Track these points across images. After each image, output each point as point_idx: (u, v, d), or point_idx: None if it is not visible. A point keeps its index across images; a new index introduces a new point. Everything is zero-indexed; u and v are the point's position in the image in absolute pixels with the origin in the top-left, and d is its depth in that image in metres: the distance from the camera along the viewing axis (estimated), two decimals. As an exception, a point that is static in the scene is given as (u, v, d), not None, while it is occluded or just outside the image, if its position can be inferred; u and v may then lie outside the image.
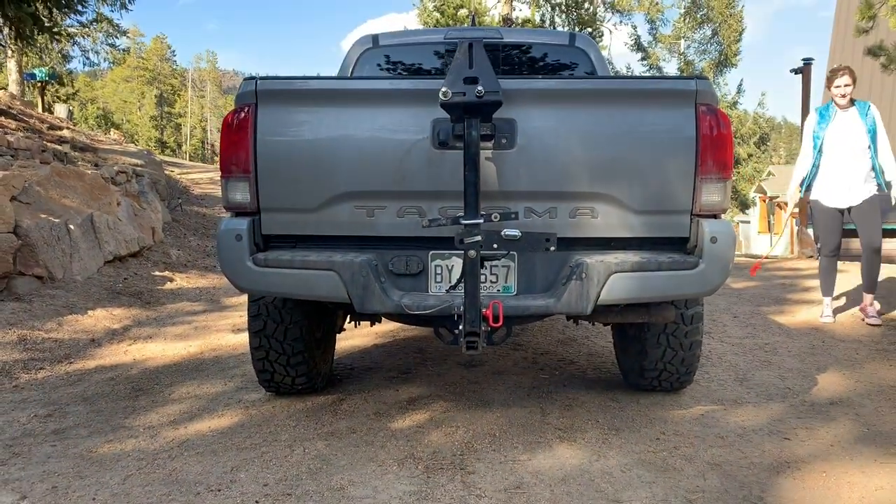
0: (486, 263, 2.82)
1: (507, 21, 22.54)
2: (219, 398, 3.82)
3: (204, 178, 16.90)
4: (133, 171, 10.47)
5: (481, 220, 2.60)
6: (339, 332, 3.97)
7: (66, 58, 26.40)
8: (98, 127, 44.96)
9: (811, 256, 13.29)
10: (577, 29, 26.07)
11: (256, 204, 2.87)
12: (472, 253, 2.60)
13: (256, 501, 2.53)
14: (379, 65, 4.57)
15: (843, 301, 6.33)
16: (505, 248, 2.69)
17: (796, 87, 15.64)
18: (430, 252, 2.90)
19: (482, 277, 2.79)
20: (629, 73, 31.54)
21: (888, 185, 5.37)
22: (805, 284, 7.94)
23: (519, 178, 2.80)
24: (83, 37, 23.12)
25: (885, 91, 17.42)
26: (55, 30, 12.45)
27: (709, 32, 32.32)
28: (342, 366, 4.44)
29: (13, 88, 18.40)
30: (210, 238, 10.91)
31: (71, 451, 3.05)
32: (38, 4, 11.25)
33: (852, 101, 5.44)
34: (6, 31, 11.40)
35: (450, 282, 2.89)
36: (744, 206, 36.04)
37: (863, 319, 5.60)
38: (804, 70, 16.02)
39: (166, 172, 14.04)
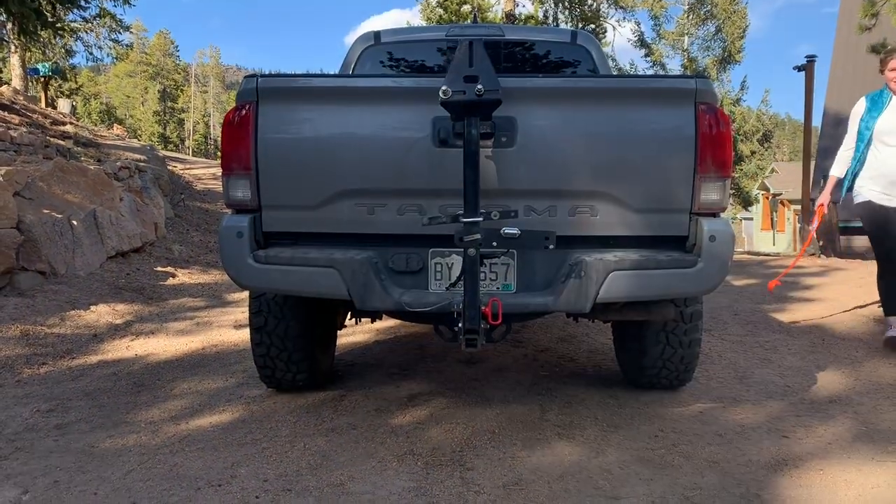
0: (486, 261, 2.83)
1: (509, 17, 22.51)
2: (220, 394, 3.84)
3: (206, 173, 16.90)
4: (136, 166, 10.50)
5: (481, 219, 2.61)
6: (340, 329, 3.98)
7: (70, 53, 26.32)
8: (101, 122, 45.05)
9: (813, 254, 13.30)
10: (580, 25, 26.01)
11: (257, 201, 2.88)
12: (471, 251, 2.61)
13: (256, 497, 2.55)
14: (381, 62, 4.58)
15: (841, 299, 6.33)
16: (504, 247, 2.70)
17: (800, 84, 15.62)
18: (431, 250, 2.91)
19: (482, 275, 2.80)
20: (632, 70, 31.48)
21: None
22: (807, 282, 7.95)
23: (519, 176, 2.81)
24: (86, 32, 23.09)
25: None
26: (58, 25, 12.50)
27: (712, 29, 32.29)
28: (343, 362, 4.45)
29: (16, 83, 18.41)
30: (212, 234, 10.93)
31: (73, 446, 3.07)
32: (41, 0, 11.28)
33: None
34: (9, 26, 11.45)
35: (449, 279, 2.91)
36: (746, 203, 36.01)
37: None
38: (807, 68, 16.02)
39: (169, 168, 14.07)
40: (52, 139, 10.31)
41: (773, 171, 36.60)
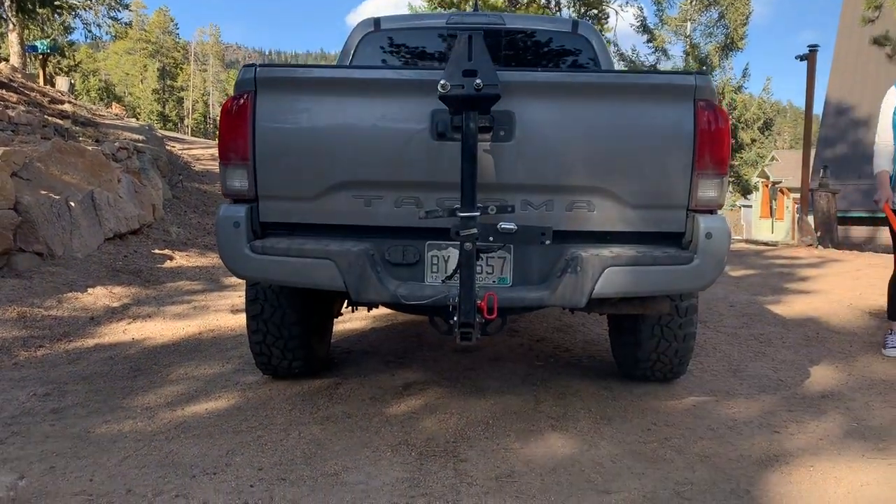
0: (482, 255, 2.83)
1: (512, 2, 22.33)
2: (216, 380, 3.86)
3: (205, 154, 16.82)
4: (134, 147, 10.44)
5: (478, 213, 2.61)
6: (337, 318, 3.99)
7: (68, 29, 26.18)
8: (100, 100, 44.78)
9: (811, 245, 13.34)
10: (582, 10, 25.80)
11: (254, 191, 2.88)
12: (467, 245, 2.61)
13: (251, 486, 2.57)
14: (381, 48, 4.56)
15: (838, 291, 6.36)
16: (500, 241, 2.71)
17: (802, 71, 15.58)
18: (427, 242, 2.92)
19: (478, 269, 2.80)
20: (634, 55, 31.28)
21: None
22: (803, 273, 7.97)
23: (516, 170, 2.80)
24: (85, 9, 22.95)
25: (891, 80, 17.32)
26: (56, 2, 12.38)
27: (715, 15, 32.01)
28: (339, 349, 4.47)
29: (15, 61, 18.27)
30: (210, 216, 10.91)
31: (69, 431, 3.09)
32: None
33: None
34: (7, 3, 11.34)
35: (446, 272, 2.91)
36: (745, 190, 35.97)
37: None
38: (809, 57, 15.94)
39: (167, 148, 14.00)
40: (50, 118, 10.26)
41: (773, 159, 36.54)
